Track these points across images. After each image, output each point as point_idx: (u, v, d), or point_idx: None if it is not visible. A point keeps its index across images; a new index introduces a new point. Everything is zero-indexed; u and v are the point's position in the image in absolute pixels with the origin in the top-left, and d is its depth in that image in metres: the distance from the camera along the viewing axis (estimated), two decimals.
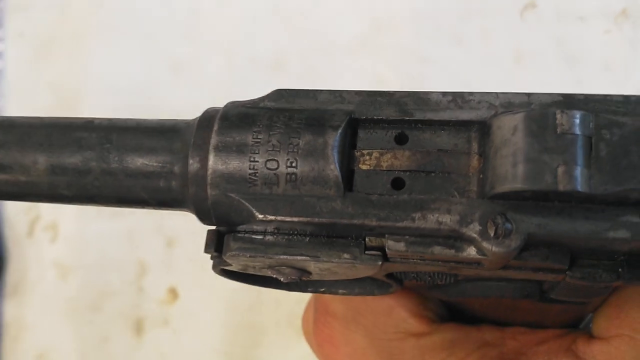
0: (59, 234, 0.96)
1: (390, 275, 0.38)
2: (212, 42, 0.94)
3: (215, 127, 0.32)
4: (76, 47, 1.00)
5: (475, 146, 0.31)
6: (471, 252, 0.30)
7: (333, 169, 0.31)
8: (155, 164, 0.34)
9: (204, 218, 0.34)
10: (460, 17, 0.85)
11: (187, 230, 0.90)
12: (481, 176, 0.30)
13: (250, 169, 0.31)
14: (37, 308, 0.96)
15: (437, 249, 0.30)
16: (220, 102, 0.35)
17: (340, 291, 0.41)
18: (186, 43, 0.95)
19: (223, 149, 0.32)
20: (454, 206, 0.30)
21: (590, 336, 0.42)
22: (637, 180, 0.27)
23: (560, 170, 0.27)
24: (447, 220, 0.30)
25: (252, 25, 0.93)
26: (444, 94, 0.32)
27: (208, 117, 0.33)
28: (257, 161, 0.31)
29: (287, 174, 0.31)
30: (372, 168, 0.32)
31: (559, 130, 0.27)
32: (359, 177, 0.32)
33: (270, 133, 0.32)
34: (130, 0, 0.99)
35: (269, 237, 0.32)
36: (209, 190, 0.32)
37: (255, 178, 0.31)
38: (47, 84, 0.99)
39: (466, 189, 0.31)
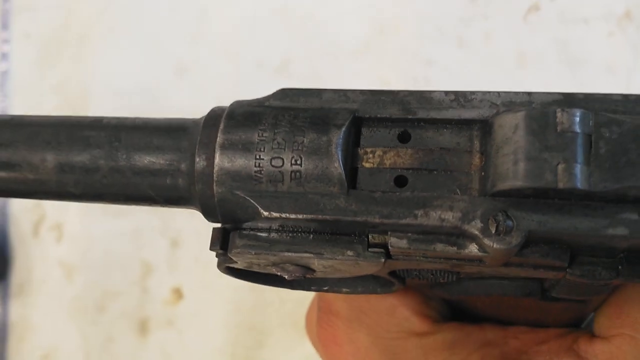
0: (64, 233, 0.96)
1: (393, 274, 0.38)
2: (217, 44, 0.94)
3: (222, 126, 0.33)
4: (82, 48, 1.00)
5: (477, 144, 0.32)
6: (473, 249, 0.30)
7: (337, 167, 0.31)
8: (162, 162, 0.34)
9: (209, 215, 0.34)
10: (464, 20, 0.86)
11: (192, 230, 0.90)
12: (483, 174, 0.31)
13: (255, 166, 0.32)
14: (42, 308, 0.96)
15: (440, 246, 0.31)
16: (225, 104, 0.35)
17: (343, 290, 0.41)
18: (191, 45, 0.95)
19: (229, 147, 0.32)
20: (456, 203, 0.30)
21: (592, 335, 0.42)
22: (636, 178, 0.27)
23: (560, 168, 0.27)
24: (449, 217, 0.30)
25: (257, 28, 0.93)
26: (447, 93, 0.32)
27: (214, 116, 0.34)
28: (262, 159, 0.32)
29: (292, 171, 0.31)
30: (375, 166, 0.32)
31: (559, 128, 0.27)
32: (362, 174, 0.32)
33: (276, 131, 0.32)
34: (136, 2, 0.99)
35: (273, 235, 0.33)
36: (215, 188, 0.32)
37: (261, 175, 0.32)
38: (52, 85, 1.00)
39: (468, 186, 0.31)
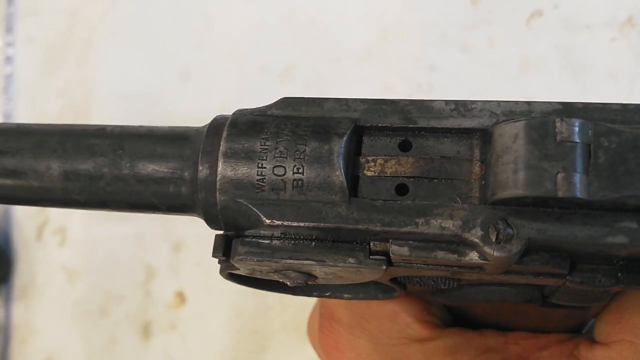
0: (67, 237, 0.96)
1: (394, 280, 0.38)
2: (222, 50, 0.94)
3: (224, 134, 0.33)
4: (86, 52, 1.00)
5: (477, 153, 0.32)
6: (473, 256, 0.31)
7: (338, 175, 0.31)
8: (165, 170, 0.35)
9: (212, 223, 0.34)
10: (467, 25, 0.86)
11: (194, 234, 0.90)
12: (483, 182, 0.31)
13: (258, 175, 0.32)
14: (45, 311, 0.96)
15: (440, 254, 0.31)
16: (229, 110, 0.35)
17: (345, 295, 0.42)
18: (196, 50, 0.96)
19: (232, 156, 0.32)
20: (456, 212, 0.30)
21: (592, 341, 0.42)
22: (635, 187, 0.27)
23: (560, 177, 0.27)
24: (450, 225, 0.30)
25: (262, 33, 0.93)
26: (447, 102, 0.32)
27: (217, 125, 0.34)
28: (264, 167, 0.32)
29: (294, 180, 0.32)
30: (376, 174, 0.32)
31: (558, 138, 0.28)
32: (363, 183, 0.32)
33: (278, 140, 0.32)
34: (140, 7, 0.99)
35: (275, 242, 0.33)
36: (218, 196, 0.33)
37: (263, 184, 0.32)
38: (57, 89, 1.00)
39: (468, 195, 0.31)
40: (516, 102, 0.32)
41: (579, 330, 0.47)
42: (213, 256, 0.35)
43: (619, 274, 0.31)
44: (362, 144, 0.33)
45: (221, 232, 0.35)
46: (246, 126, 0.33)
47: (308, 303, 0.53)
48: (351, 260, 0.32)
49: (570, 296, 0.36)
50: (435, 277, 0.38)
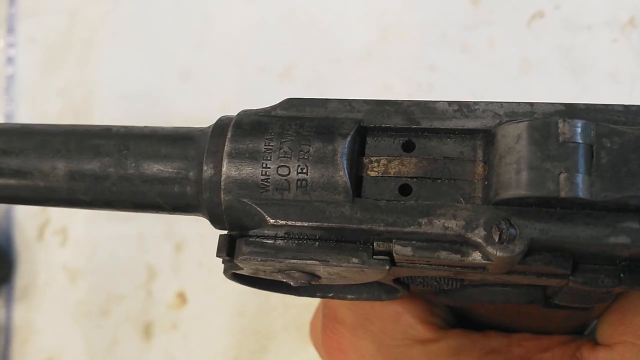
0: (69, 238, 0.97)
1: (397, 281, 0.38)
2: (222, 50, 0.95)
3: (229, 135, 0.33)
4: (86, 52, 1.01)
5: (480, 154, 0.32)
6: (476, 256, 0.31)
7: (342, 176, 0.32)
8: (170, 170, 0.35)
9: (217, 223, 0.34)
10: (467, 26, 0.86)
11: (196, 235, 0.90)
12: (486, 183, 0.31)
13: (262, 175, 0.32)
14: (47, 311, 0.97)
15: (443, 254, 0.31)
16: (229, 110, 0.35)
17: (348, 296, 0.42)
18: (196, 50, 0.96)
19: (236, 156, 0.33)
20: (459, 212, 0.30)
21: (595, 343, 0.42)
22: (637, 188, 0.27)
23: (562, 177, 0.27)
24: (453, 225, 0.30)
25: (262, 33, 0.94)
26: (450, 103, 0.33)
27: (222, 125, 0.34)
28: (269, 167, 0.32)
29: (298, 180, 0.32)
30: (380, 175, 0.32)
31: (561, 138, 0.28)
32: (367, 183, 0.33)
33: (282, 140, 0.32)
34: (141, 7, 1.00)
35: (279, 242, 0.33)
36: (222, 196, 0.33)
37: (267, 184, 0.32)
38: (57, 89, 1.00)
39: (471, 195, 0.31)
40: (519, 103, 0.32)
41: (582, 331, 0.47)
42: (217, 256, 0.35)
43: (622, 275, 0.31)
44: (365, 144, 0.33)
45: (225, 231, 0.35)
46: (250, 127, 0.33)
47: (311, 303, 0.53)
48: (355, 260, 0.32)
49: (572, 297, 0.36)
50: (438, 278, 0.38)
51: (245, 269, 0.35)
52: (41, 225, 0.98)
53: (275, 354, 0.86)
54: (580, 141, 0.28)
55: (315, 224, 0.32)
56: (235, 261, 0.34)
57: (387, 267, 0.32)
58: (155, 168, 0.35)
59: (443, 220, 0.30)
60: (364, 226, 0.31)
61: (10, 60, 1.04)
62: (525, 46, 0.84)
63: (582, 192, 0.27)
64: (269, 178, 0.32)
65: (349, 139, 0.32)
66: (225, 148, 0.33)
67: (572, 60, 0.82)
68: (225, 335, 0.88)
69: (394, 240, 0.31)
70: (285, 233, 0.33)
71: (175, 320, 0.90)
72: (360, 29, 0.90)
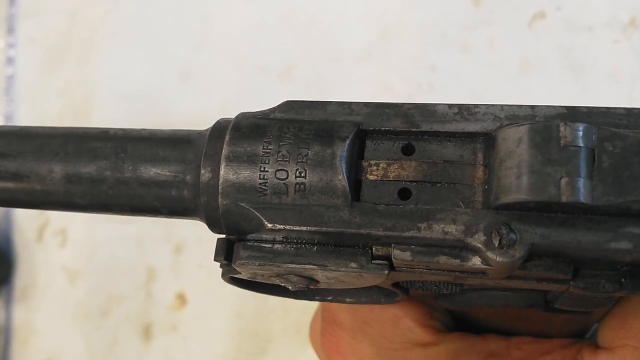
0: (68, 239, 0.96)
1: (396, 284, 0.38)
2: (222, 50, 0.94)
3: (227, 138, 0.33)
4: (86, 52, 1.01)
5: (480, 157, 0.32)
6: (476, 261, 0.30)
7: (341, 179, 0.31)
8: (168, 174, 0.34)
9: (214, 227, 0.34)
10: (467, 26, 0.86)
11: (195, 236, 0.90)
12: (486, 187, 0.31)
13: (260, 178, 0.32)
14: (46, 312, 0.96)
15: (443, 259, 0.31)
16: (229, 110, 0.35)
17: (347, 300, 0.41)
18: (196, 50, 0.96)
19: (234, 159, 0.32)
20: (459, 216, 0.30)
21: (596, 347, 0.42)
22: (639, 192, 0.27)
23: (564, 181, 0.27)
24: (453, 230, 0.30)
25: (262, 33, 0.93)
26: (450, 106, 0.32)
27: (220, 128, 0.34)
28: (267, 171, 0.32)
29: (296, 183, 0.32)
30: (379, 178, 0.32)
31: (562, 142, 0.27)
32: (366, 187, 0.32)
33: (280, 144, 0.32)
34: (141, 7, 0.99)
35: (277, 246, 0.33)
36: (220, 200, 0.33)
37: (265, 188, 0.32)
38: (57, 89, 1.00)
39: (471, 199, 0.31)
40: (520, 106, 0.31)
41: (582, 335, 0.46)
42: (215, 260, 0.35)
43: (623, 280, 0.31)
44: (365, 147, 0.33)
45: (223, 235, 0.35)
46: (249, 129, 0.33)
47: (310, 306, 0.53)
48: (353, 265, 0.32)
49: (573, 301, 0.35)
50: (437, 282, 0.37)
51: (243, 273, 0.35)
52: (41, 226, 0.98)
53: (274, 357, 0.86)
54: (581, 145, 0.27)
55: (313, 228, 0.31)
56: (233, 265, 0.34)
57: (386, 271, 0.32)
58: (153, 171, 0.35)
59: (442, 225, 0.30)
60: (362, 231, 0.31)
61: (10, 61, 1.04)
62: (525, 46, 0.84)
63: (583, 196, 0.27)
64: (267, 182, 0.32)
65: (348, 142, 0.32)
66: (223, 151, 0.33)
67: (572, 61, 0.82)
68: (224, 337, 0.88)
69: (393, 245, 0.31)
70: (283, 237, 0.33)
71: (174, 321, 0.90)
72: (360, 29, 0.90)
